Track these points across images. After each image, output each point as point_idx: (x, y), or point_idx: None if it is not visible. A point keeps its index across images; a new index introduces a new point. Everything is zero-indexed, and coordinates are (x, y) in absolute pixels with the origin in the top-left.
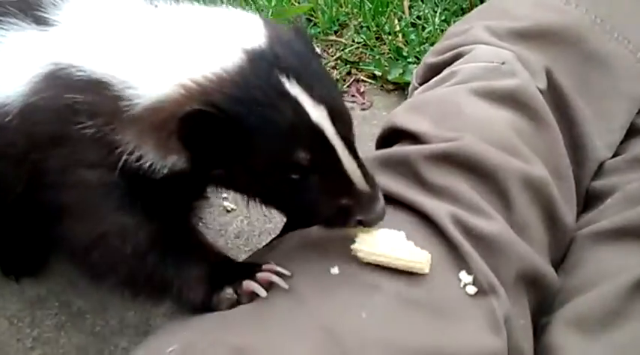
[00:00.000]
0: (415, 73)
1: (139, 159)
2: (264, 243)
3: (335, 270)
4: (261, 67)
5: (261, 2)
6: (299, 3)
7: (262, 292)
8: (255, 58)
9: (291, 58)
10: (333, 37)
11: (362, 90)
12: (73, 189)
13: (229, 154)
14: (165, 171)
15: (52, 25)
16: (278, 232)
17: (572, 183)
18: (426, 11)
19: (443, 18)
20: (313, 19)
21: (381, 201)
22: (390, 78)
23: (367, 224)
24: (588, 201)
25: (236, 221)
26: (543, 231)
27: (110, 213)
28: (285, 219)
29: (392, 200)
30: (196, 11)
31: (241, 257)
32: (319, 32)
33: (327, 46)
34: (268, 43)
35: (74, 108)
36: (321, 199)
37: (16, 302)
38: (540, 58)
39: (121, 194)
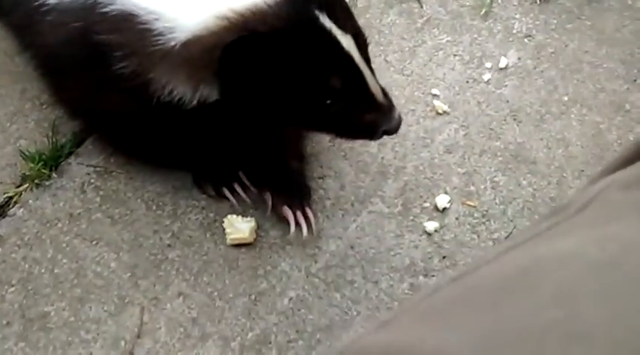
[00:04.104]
0: None
1: (170, 92)
2: (485, 168)
3: None
4: (298, 1)
5: None
6: None
7: (232, 199)
8: None
9: None
10: None
11: None
12: None
13: (267, 84)
14: (195, 102)
15: None
16: (508, 155)
17: None
18: None
19: None
20: None
21: (397, 109)
22: None
23: (390, 132)
24: None
25: (448, 129)
26: None
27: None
28: None
29: None
30: None
31: (452, 180)
32: None
33: None
34: None
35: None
36: (352, 118)
37: (157, 183)
38: None
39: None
